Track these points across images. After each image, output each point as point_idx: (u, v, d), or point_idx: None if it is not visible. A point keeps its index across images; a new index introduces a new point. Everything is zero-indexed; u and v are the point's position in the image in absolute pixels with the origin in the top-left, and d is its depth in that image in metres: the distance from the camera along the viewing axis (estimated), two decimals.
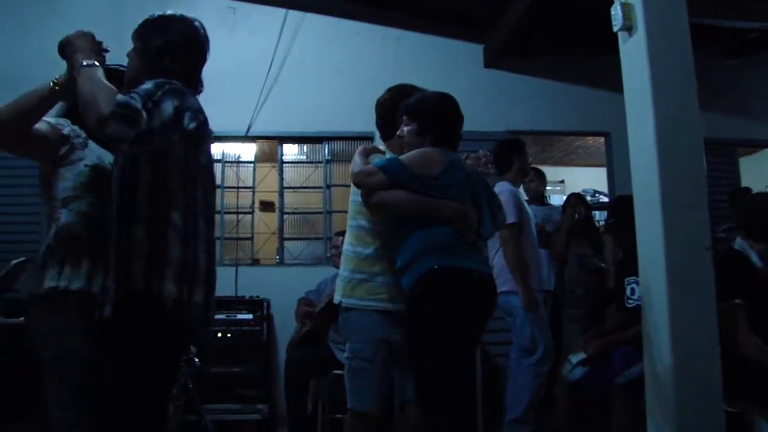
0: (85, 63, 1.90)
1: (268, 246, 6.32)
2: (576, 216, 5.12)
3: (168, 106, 1.88)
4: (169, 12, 2.19)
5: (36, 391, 4.07)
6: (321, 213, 6.16)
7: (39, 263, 2.14)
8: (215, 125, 2.25)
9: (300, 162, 6.49)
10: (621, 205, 3.87)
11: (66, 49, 2.00)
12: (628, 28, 3.20)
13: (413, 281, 2.49)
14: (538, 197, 5.45)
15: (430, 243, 2.50)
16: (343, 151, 6.18)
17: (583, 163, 8.84)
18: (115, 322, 1.93)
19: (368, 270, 2.71)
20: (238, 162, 6.19)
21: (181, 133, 1.96)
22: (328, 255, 5.63)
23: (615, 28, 3.26)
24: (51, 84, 2.05)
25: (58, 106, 2.21)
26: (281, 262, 6.06)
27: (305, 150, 6.51)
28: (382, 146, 2.96)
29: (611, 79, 3.68)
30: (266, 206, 6.65)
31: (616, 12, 3.22)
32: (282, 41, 5.84)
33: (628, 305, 3.59)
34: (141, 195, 1.96)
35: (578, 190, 6.52)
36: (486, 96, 6.01)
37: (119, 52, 2.21)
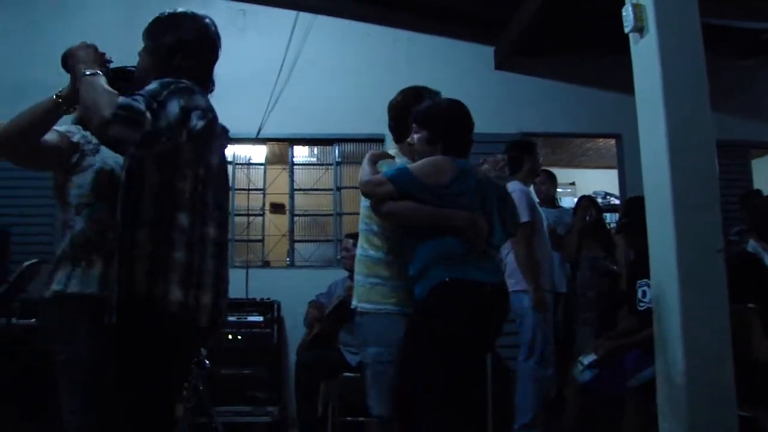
0: (87, 73, 1.87)
1: (278, 248, 6.33)
2: (587, 218, 5.09)
3: (174, 106, 1.85)
4: (179, 9, 2.16)
5: (48, 392, 4.10)
6: (331, 215, 6.17)
7: (52, 268, 2.15)
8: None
9: (310, 164, 6.51)
10: (632, 207, 3.85)
11: (68, 60, 1.97)
12: (640, 29, 3.19)
13: (425, 292, 2.49)
14: (549, 199, 5.43)
15: (440, 253, 2.49)
16: (353, 153, 6.18)
17: (593, 165, 8.79)
18: (118, 326, 1.90)
19: (381, 274, 2.70)
20: (248, 164, 6.20)
21: (188, 133, 1.92)
22: (339, 257, 5.63)
23: (626, 30, 3.25)
24: (54, 97, 2.02)
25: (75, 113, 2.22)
26: (292, 264, 6.07)
27: (316, 152, 6.53)
28: (393, 150, 2.94)
29: (622, 81, 3.67)
30: (277, 208, 6.66)
31: (627, 13, 3.21)
32: (293, 43, 5.85)
33: (639, 308, 3.57)
34: (146, 197, 1.93)
35: (589, 192, 6.48)
36: (497, 98, 5.99)
37: (132, 53, 2.19)
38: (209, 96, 2.14)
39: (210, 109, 2.03)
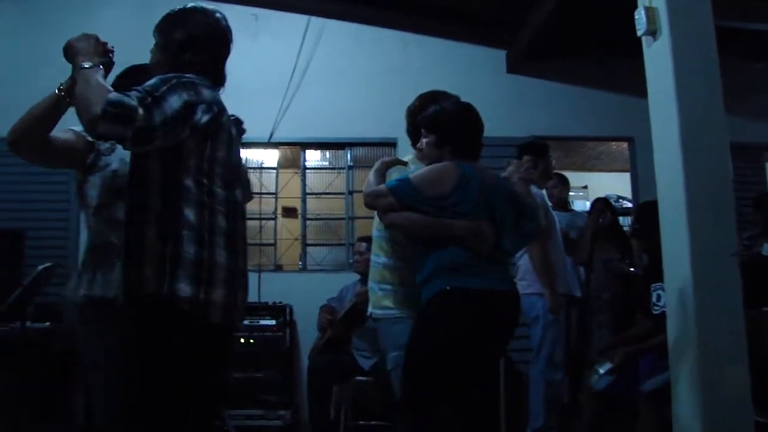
0: (85, 65, 1.86)
1: (290, 252, 6.35)
2: (600, 220, 5.07)
3: (174, 101, 1.83)
4: (190, 4, 2.15)
5: (64, 393, 4.14)
6: (343, 219, 6.18)
7: (79, 271, 2.18)
8: None
9: (322, 168, 6.52)
10: (646, 211, 3.83)
11: (68, 52, 1.95)
12: (653, 32, 3.18)
13: (426, 301, 2.51)
14: (562, 203, 5.40)
15: (442, 263, 2.48)
16: (365, 157, 6.19)
17: (606, 168, 8.76)
18: (128, 325, 1.90)
19: (392, 281, 2.72)
20: (261, 168, 6.22)
21: (192, 127, 1.89)
22: (351, 261, 5.64)
23: (639, 33, 3.24)
24: (57, 90, 2.03)
25: None
26: (304, 268, 6.07)
27: (328, 156, 6.54)
28: (410, 155, 2.92)
29: (634, 84, 3.66)
30: (289, 212, 6.67)
31: (639, 16, 3.20)
32: (304, 47, 5.86)
33: (654, 312, 3.55)
34: (151, 193, 1.90)
35: (602, 195, 6.45)
36: (508, 101, 5.99)
37: (146, 51, 2.18)
38: (221, 90, 2.13)
39: (216, 102, 2.00)
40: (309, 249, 6.15)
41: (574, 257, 4.99)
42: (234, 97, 2.26)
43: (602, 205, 5.29)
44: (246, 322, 5.00)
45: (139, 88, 1.80)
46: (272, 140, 5.85)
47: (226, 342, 2.06)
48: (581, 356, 4.60)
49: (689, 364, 2.90)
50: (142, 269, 1.85)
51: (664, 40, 3.13)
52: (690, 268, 2.92)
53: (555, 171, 4.97)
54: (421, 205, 2.50)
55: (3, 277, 4.24)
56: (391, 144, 5.76)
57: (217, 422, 4.12)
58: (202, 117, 1.91)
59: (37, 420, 3.99)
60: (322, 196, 6.29)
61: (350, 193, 6.16)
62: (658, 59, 3.19)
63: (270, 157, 6.25)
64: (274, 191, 6.19)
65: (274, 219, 6.17)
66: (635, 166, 6.18)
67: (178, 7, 2.14)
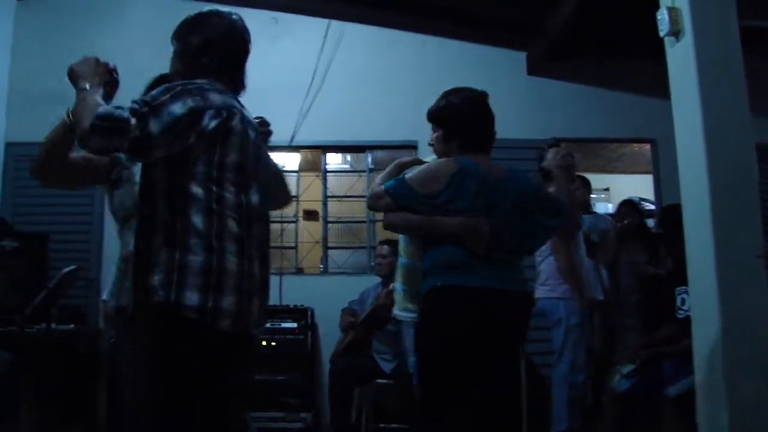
0: (85, 88, 1.89)
1: (312, 255, 6.36)
2: (625, 221, 5.03)
3: (177, 108, 1.82)
4: (206, 9, 2.15)
5: (88, 394, 4.19)
6: (364, 222, 6.18)
7: (115, 279, 2.26)
8: None
9: (343, 171, 6.55)
10: (669, 214, 3.80)
11: (71, 77, 1.97)
12: (676, 32, 3.14)
13: (422, 299, 2.53)
14: (584, 205, 5.36)
15: (438, 261, 2.49)
16: (386, 159, 6.15)
17: (628, 170, 8.69)
18: (138, 334, 1.91)
19: (413, 281, 2.72)
20: (282, 171, 6.22)
21: (199, 133, 1.88)
22: (372, 264, 5.64)
23: (661, 33, 3.21)
24: (65, 116, 2.04)
25: None
26: (325, 271, 6.08)
27: (349, 159, 6.54)
28: (430, 157, 2.91)
29: (656, 85, 3.62)
30: (310, 215, 6.69)
31: (662, 17, 3.17)
32: (325, 51, 5.88)
33: (678, 316, 3.52)
34: (159, 202, 1.91)
35: (624, 197, 6.40)
36: (529, 103, 5.95)
37: (168, 59, 2.20)
38: (242, 94, 2.13)
39: (226, 106, 1.97)
40: (330, 252, 6.15)
41: (597, 260, 4.95)
42: (254, 101, 2.27)
43: (626, 207, 5.25)
44: (267, 324, 5.01)
45: (137, 99, 1.82)
46: (293, 143, 5.87)
47: (241, 349, 2.02)
48: (606, 359, 4.55)
49: (714, 369, 2.87)
50: (150, 278, 1.85)
51: (687, 41, 3.09)
52: (715, 271, 2.89)
53: (577, 173, 4.94)
54: (416, 205, 2.51)
55: (28, 279, 4.29)
56: (412, 147, 5.75)
57: (236, 426, 4.14)
58: (210, 123, 1.90)
59: (61, 420, 4.04)
60: (343, 199, 6.31)
61: None
62: (681, 60, 3.16)
63: (291, 161, 6.27)
64: (295, 194, 6.19)
65: (296, 222, 6.19)
66: (658, 168, 6.11)
67: (195, 12, 2.15)
